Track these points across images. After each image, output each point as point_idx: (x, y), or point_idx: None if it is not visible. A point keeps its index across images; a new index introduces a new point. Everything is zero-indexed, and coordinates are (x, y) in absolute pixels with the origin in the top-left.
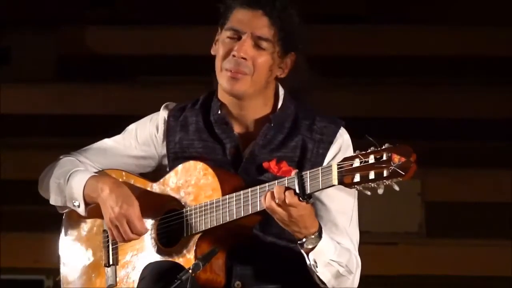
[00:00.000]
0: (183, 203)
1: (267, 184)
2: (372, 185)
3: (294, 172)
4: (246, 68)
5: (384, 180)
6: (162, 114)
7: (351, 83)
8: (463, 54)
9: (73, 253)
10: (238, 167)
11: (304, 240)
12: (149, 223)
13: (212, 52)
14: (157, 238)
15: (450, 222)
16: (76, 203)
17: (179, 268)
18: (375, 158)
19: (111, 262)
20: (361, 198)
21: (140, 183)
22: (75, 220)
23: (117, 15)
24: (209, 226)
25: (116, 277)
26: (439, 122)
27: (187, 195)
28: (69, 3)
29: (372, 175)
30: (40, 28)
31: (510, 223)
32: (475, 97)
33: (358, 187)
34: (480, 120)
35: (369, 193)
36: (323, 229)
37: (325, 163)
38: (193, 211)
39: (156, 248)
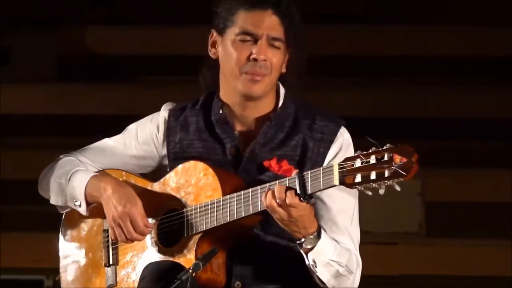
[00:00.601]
0: (183, 203)
1: (267, 184)
2: (374, 185)
3: (295, 172)
4: (266, 69)
5: (386, 181)
6: (162, 114)
7: (351, 83)
8: (463, 54)
9: (73, 253)
10: (239, 166)
11: (303, 240)
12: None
13: (213, 56)
14: (157, 238)
15: (450, 222)
16: (78, 203)
17: (179, 268)
18: (376, 158)
19: (111, 262)
20: (361, 198)
21: (140, 183)
22: (74, 220)
23: (117, 15)
24: (209, 226)
25: (116, 277)
26: (439, 122)
27: (187, 195)
28: (69, 3)
29: (373, 176)
30: (40, 28)
31: (510, 223)
32: (475, 97)
33: (359, 187)
34: (480, 120)
35: (370, 193)
36: (323, 229)
37: (325, 162)
38: (193, 211)
39: (156, 248)
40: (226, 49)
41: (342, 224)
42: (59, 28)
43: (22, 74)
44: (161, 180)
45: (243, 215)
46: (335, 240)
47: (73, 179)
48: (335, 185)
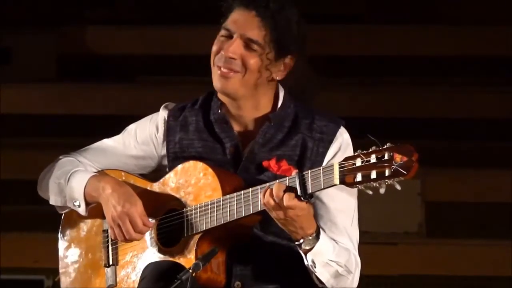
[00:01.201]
0: (183, 203)
1: (268, 184)
2: (374, 184)
3: (295, 172)
4: (237, 66)
5: (386, 180)
6: (162, 114)
7: (351, 83)
8: (463, 54)
9: (72, 253)
10: (238, 166)
11: (301, 241)
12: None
13: None
14: (157, 238)
15: (450, 222)
16: (77, 203)
17: (179, 268)
18: (376, 157)
19: (111, 262)
20: (361, 198)
21: (140, 183)
22: (74, 220)
23: (117, 15)
24: (209, 226)
25: (116, 277)
26: (439, 122)
27: (187, 195)
28: (69, 3)
29: (374, 175)
30: (40, 28)
31: (510, 223)
32: (474, 97)
33: (359, 186)
34: (480, 120)
35: (371, 192)
36: (323, 229)
37: (324, 162)
38: (193, 211)
39: (156, 248)
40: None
41: (341, 224)
42: (59, 28)
43: (22, 74)
44: (161, 180)
45: (243, 215)
46: (334, 240)
47: (72, 179)
48: (335, 184)
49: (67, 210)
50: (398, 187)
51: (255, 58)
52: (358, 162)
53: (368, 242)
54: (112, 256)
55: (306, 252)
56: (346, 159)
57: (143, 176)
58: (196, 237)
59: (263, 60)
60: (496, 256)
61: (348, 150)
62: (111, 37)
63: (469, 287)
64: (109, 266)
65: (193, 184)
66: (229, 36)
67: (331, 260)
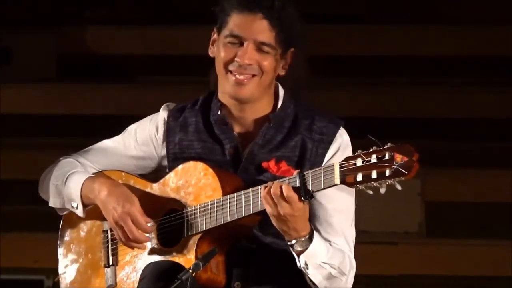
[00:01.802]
0: (183, 203)
1: (269, 183)
2: (375, 184)
3: (296, 172)
4: (254, 70)
5: (387, 180)
6: (162, 115)
7: (351, 83)
8: (463, 54)
9: (72, 254)
10: (238, 167)
11: (293, 242)
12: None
13: (211, 54)
14: (158, 239)
15: (450, 222)
16: (74, 205)
17: (179, 268)
18: (377, 157)
19: (110, 263)
20: (361, 198)
21: (140, 183)
22: (74, 221)
23: (117, 15)
24: (210, 226)
25: (115, 277)
26: (439, 122)
27: (187, 195)
28: (69, 3)
29: (374, 175)
30: (40, 28)
31: (510, 223)
32: (474, 97)
33: (360, 186)
34: (480, 120)
35: (371, 192)
36: (318, 229)
37: (324, 163)
38: (193, 211)
39: (156, 248)
40: (218, 48)
41: (338, 225)
42: (59, 28)
43: (22, 74)
44: (161, 180)
45: (243, 215)
46: (329, 241)
47: (69, 181)
48: (336, 184)
49: (67, 212)
50: (399, 187)
51: (269, 59)
52: (359, 162)
53: (368, 242)
54: (112, 256)
55: (298, 254)
56: (347, 159)
57: (143, 176)
58: (196, 237)
59: (277, 60)
60: (496, 256)
61: (347, 151)
62: (111, 37)
63: (469, 287)
64: (108, 266)
65: (194, 184)
66: (238, 43)
67: (324, 263)
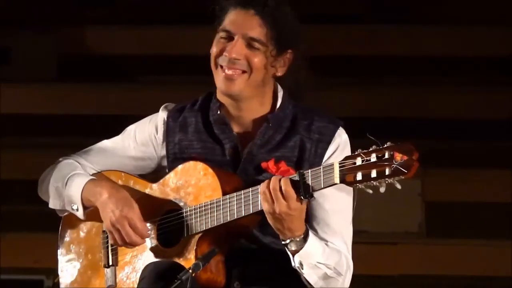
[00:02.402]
0: (183, 203)
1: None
2: (374, 183)
3: (296, 173)
4: (242, 66)
5: (387, 179)
6: (161, 115)
7: (350, 82)
8: (463, 54)
9: (72, 254)
10: (237, 167)
11: (288, 241)
12: (149, 223)
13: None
14: (157, 239)
15: (450, 222)
16: (75, 207)
17: (179, 268)
18: (377, 156)
19: (110, 263)
20: (361, 198)
21: (140, 184)
22: (74, 221)
23: (117, 15)
24: (209, 226)
25: (115, 277)
26: (439, 122)
27: (187, 195)
28: (69, 3)
29: (374, 174)
30: (40, 28)
31: (510, 223)
32: (474, 97)
33: (360, 185)
34: (480, 120)
35: (371, 191)
36: (315, 228)
37: (323, 163)
38: (193, 211)
39: (156, 248)
40: (212, 44)
41: (335, 225)
42: (59, 28)
43: (22, 74)
44: (161, 180)
45: (243, 215)
46: (326, 241)
47: (70, 183)
48: (336, 183)
49: (66, 213)
50: (399, 186)
51: (259, 56)
52: (359, 161)
53: (368, 242)
54: (111, 256)
55: (293, 253)
56: (347, 158)
57: (143, 177)
58: (196, 237)
59: (267, 58)
60: (496, 256)
61: (346, 151)
62: (111, 37)
63: (469, 287)
64: (108, 266)
65: (193, 184)
66: (230, 38)
67: (319, 263)
